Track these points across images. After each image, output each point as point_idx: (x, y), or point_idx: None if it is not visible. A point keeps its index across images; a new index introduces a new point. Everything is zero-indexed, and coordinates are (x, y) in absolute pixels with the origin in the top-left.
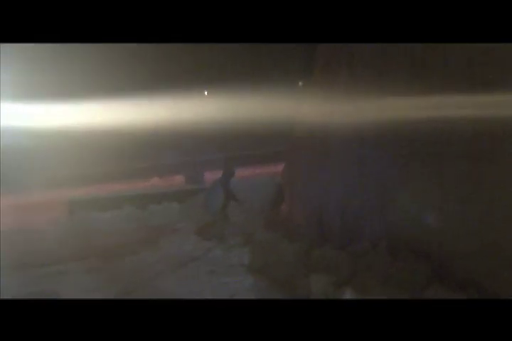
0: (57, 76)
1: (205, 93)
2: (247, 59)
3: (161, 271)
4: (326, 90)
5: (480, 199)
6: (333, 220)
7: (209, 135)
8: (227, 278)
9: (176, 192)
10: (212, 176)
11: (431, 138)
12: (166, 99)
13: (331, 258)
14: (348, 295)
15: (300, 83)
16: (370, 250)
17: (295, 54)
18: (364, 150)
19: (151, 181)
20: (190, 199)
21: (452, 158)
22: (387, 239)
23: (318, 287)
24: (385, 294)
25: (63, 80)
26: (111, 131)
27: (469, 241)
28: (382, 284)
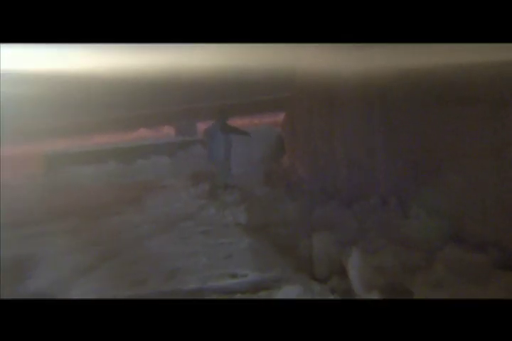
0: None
1: None
2: None
3: (148, 231)
4: None
5: (500, 148)
6: (338, 174)
7: (202, 81)
8: (222, 238)
9: (165, 144)
10: (206, 126)
11: (444, 84)
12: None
13: (336, 217)
14: (355, 256)
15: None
16: (379, 207)
17: None
18: (372, 98)
19: (138, 132)
20: (181, 152)
21: (470, 102)
22: (398, 194)
23: (321, 248)
24: (396, 255)
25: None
26: (92, 77)
27: (489, 196)
28: (393, 244)
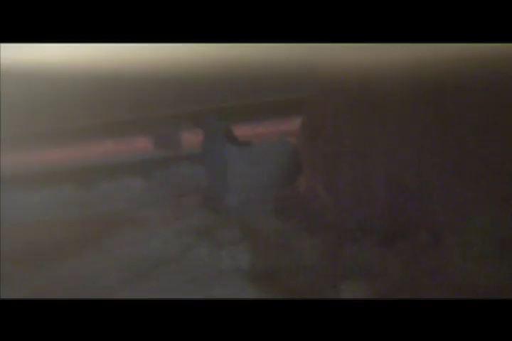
0: None
1: None
2: None
3: (117, 279)
4: None
5: None
6: (377, 202)
7: (188, 76)
8: (217, 288)
9: (138, 162)
10: (195, 138)
11: None
12: None
13: (373, 259)
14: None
15: None
16: (431, 246)
17: None
18: (423, 102)
19: (102, 147)
20: (160, 173)
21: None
22: (458, 229)
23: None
24: None
25: None
26: (43, 73)
27: None
28: (451, 295)
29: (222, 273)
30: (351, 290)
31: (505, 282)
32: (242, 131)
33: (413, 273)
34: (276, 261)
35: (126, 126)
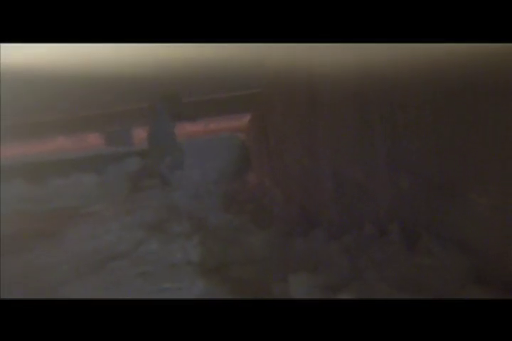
0: None
1: None
2: None
3: (68, 274)
4: None
5: None
6: (323, 196)
7: (142, 75)
8: (167, 282)
9: (91, 158)
10: (146, 135)
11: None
12: None
13: (321, 252)
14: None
15: None
16: (377, 239)
17: None
18: (369, 97)
19: (55, 143)
20: (112, 168)
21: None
22: (403, 222)
23: (301, 294)
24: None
25: None
26: None
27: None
28: (398, 288)
29: (173, 266)
30: (300, 283)
31: (450, 276)
32: (192, 126)
33: (360, 266)
34: (226, 254)
35: (76, 123)
